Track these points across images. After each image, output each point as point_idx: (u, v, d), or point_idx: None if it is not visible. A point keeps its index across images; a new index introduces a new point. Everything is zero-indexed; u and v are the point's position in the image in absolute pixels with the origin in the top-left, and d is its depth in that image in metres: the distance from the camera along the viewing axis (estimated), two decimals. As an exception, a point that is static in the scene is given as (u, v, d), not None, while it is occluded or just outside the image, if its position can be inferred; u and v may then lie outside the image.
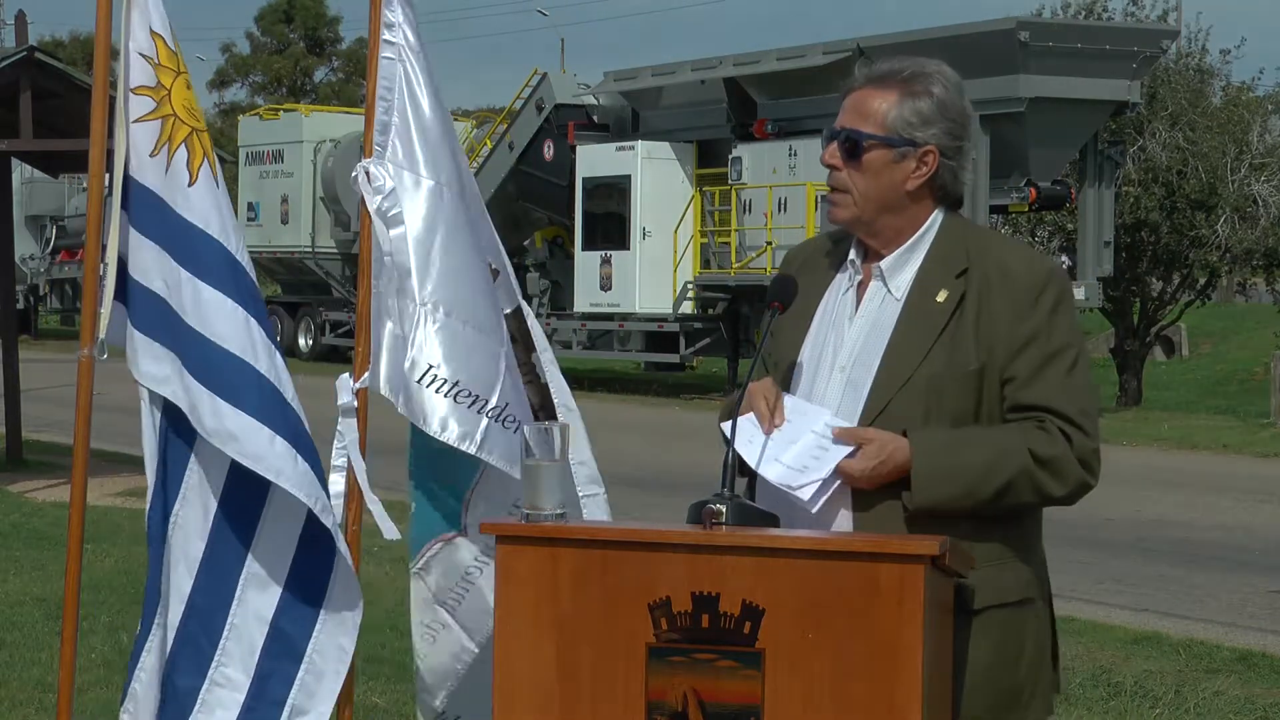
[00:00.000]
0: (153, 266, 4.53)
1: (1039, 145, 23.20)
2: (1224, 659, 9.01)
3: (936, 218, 3.71)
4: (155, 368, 4.52)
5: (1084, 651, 9.01)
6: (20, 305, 36.85)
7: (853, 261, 3.73)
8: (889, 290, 3.68)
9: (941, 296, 3.62)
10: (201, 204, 4.56)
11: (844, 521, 3.57)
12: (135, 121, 4.56)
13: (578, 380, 30.61)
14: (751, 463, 3.57)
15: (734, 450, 3.54)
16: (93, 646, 8.16)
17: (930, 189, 3.70)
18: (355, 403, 4.56)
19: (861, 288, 3.72)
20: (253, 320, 4.55)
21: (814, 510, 3.52)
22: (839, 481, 3.53)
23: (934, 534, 3.36)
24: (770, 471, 3.54)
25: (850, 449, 3.52)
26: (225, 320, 4.51)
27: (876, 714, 3.23)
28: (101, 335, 4.61)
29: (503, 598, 3.43)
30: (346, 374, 4.59)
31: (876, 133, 3.64)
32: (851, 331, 3.68)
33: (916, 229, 3.70)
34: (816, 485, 3.51)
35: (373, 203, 4.47)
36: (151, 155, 4.55)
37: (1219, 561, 12.55)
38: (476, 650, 4.56)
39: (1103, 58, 23.47)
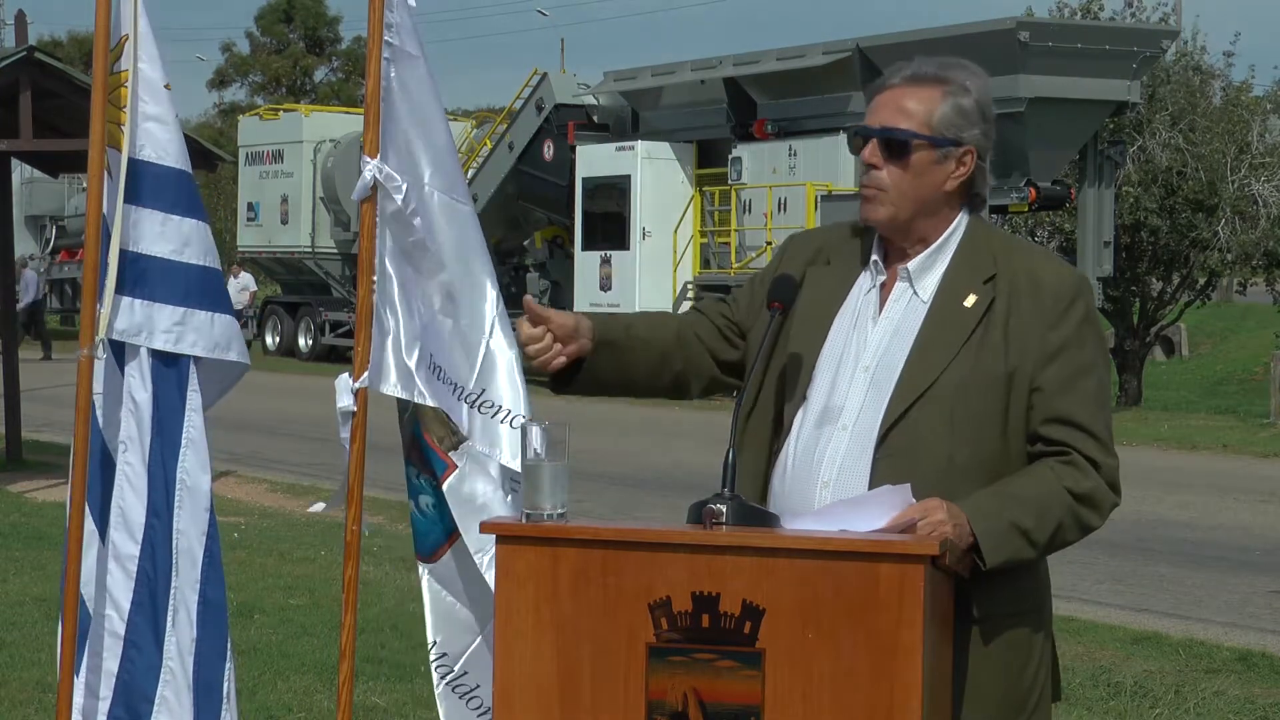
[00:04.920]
0: (159, 233, 4.63)
1: (1039, 145, 23.20)
2: (1224, 659, 9.01)
3: (962, 220, 3.69)
4: (128, 320, 4.61)
5: (1084, 651, 9.01)
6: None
7: (876, 262, 3.70)
8: (915, 292, 3.65)
9: (970, 301, 3.59)
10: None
11: None
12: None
13: (578, 380, 30.62)
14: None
15: (734, 451, 3.54)
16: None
17: (963, 191, 3.68)
18: (355, 404, 4.56)
19: (885, 288, 3.69)
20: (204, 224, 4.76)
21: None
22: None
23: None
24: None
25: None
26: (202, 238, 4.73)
27: (876, 714, 3.23)
28: (101, 335, 4.62)
29: (503, 598, 3.43)
30: (346, 374, 4.58)
31: (922, 132, 3.61)
32: (875, 332, 3.64)
33: (944, 231, 3.67)
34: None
35: (388, 206, 4.47)
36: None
37: (1219, 561, 12.56)
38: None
39: (1103, 58, 23.47)
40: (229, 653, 4.65)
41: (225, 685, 4.63)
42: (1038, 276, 3.61)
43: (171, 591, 4.61)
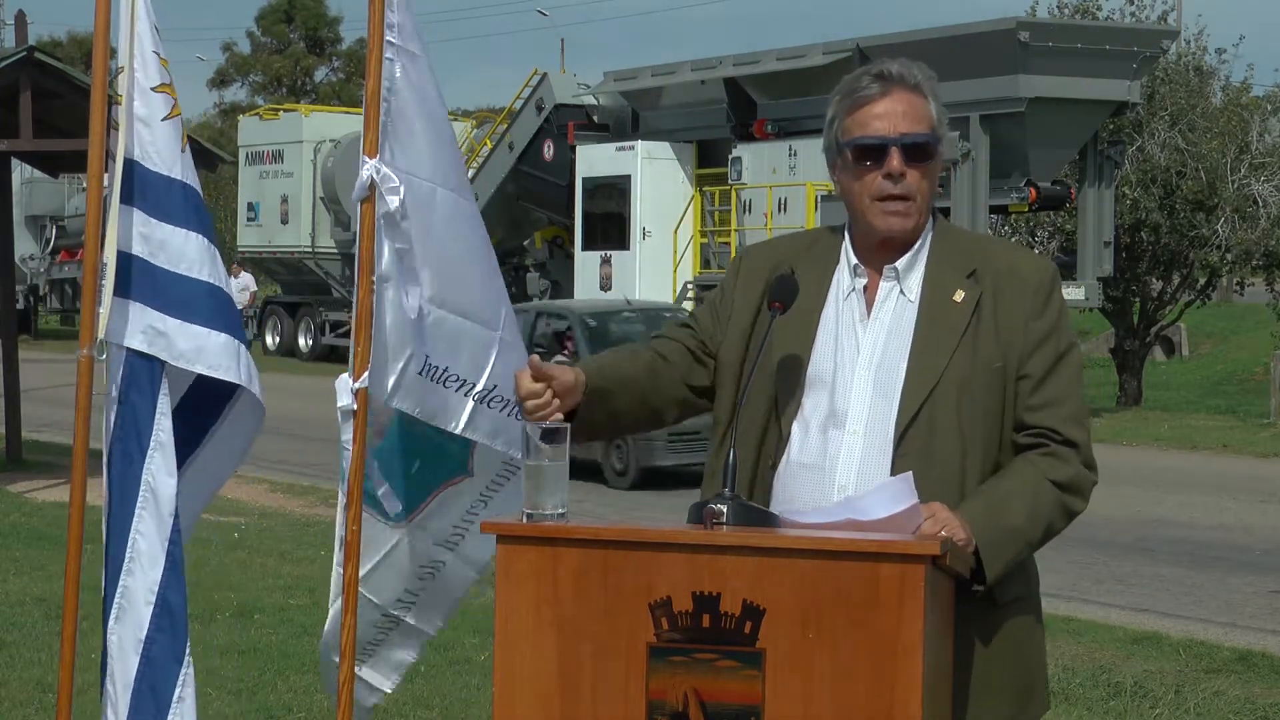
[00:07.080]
0: (139, 234, 4.63)
1: (1039, 145, 23.19)
2: (1224, 659, 9.01)
3: (932, 218, 3.73)
4: (120, 324, 4.62)
5: (1084, 651, 9.00)
6: (20, 305, 36.91)
7: (857, 266, 3.70)
8: (902, 291, 3.67)
9: (959, 297, 3.62)
10: (188, 165, 4.71)
11: None
12: (164, 119, 4.60)
13: (578, 380, 30.62)
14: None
15: (734, 451, 3.54)
16: (93, 646, 8.13)
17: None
18: (355, 404, 4.56)
19: (868, 291, 3.69)
20: (209, 241, 4.74)
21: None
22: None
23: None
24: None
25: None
26: (203, 254, 4.71)
27: (876, 714, 3.23)
28: (101, 335, 4.61)
29: (503, 598, 3.43)
30: (346, 374, 4.58)
31: (933, 135, 3.64)
32: (868, 334, 3.65)
33: (924, 229, 3.70)
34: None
35: (386, 205, 4.48)
36: (182, 150, 4.64)
37: (1219, 561, 12.56)
38: (476, 576, 4.89)
39: (1103, 58, 23.47)
40: (186, 657, 4.64)
41: (177, 689, 4.63)
42: (1016, 269, 3.67)
43: (119, 590, 4.62)
